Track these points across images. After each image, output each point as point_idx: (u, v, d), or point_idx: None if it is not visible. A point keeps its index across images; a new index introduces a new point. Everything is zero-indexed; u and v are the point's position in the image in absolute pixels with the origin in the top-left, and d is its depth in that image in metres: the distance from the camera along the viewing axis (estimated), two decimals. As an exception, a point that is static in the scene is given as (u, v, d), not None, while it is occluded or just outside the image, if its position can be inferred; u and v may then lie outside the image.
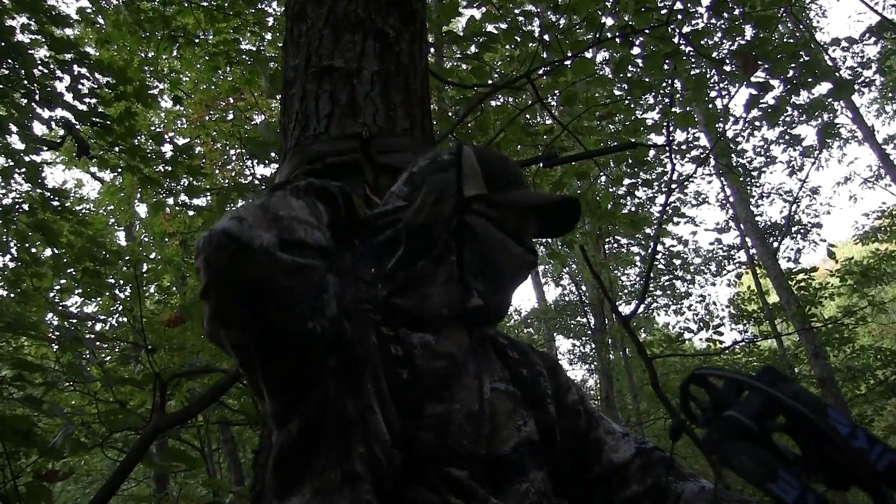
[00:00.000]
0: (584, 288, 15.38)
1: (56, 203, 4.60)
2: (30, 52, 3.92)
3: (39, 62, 3.97)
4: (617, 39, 3.91)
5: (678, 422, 0.82)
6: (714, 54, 5.34)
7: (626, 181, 6.26)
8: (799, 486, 0.60)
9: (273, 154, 3.86)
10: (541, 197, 1.22)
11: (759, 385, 0.67)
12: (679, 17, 3.93)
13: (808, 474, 0.63)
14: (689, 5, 3.97)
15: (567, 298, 17.52)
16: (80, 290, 5.74)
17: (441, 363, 1.03)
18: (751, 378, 0.69)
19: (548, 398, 1.14)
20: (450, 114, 5.17)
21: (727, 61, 4.44)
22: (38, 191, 4.50)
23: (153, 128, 10.01)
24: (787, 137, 13.47)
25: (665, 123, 4.63)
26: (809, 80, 4.14)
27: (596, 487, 1.15)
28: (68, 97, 4.06)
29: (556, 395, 1.19)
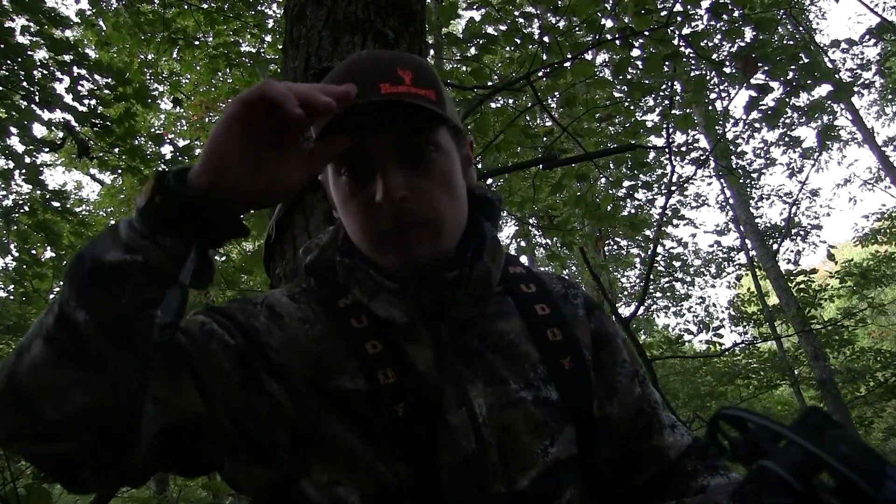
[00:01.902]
0: (583, 289, 15.36)
1: (56, 204, 4.61)
2: (29, 53, 3.93)
3: (39, 63, 3.98)
4: (617, 41, 3.91)
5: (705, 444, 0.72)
6: (714, 56, 5.34)
7: (626, 183, 6.27)
8: None
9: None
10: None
11: (801, 440, 0.56)
12: (679, 18, 3.93)
13: None
14: (688, 7, 3.98)
15: (567, 300, 17.49)
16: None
17: (427, 391, 0.82)
18: (790, 429, 0.57)
19: (592, 395, 0.92)
20: (450, 115, 5.16)
21: (727, 63, 4.45)
22: (39, 192, 4.51)
23: (153, 129, 10.03)
24: (786, 139, 13.49)
25: (665, 125, 4.63)
26: (809, 81, 4.15)
27: (644, 491, 0.95)
28: (68, 98, 4.07)
29: (613, 375, 0.97)
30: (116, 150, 4.49)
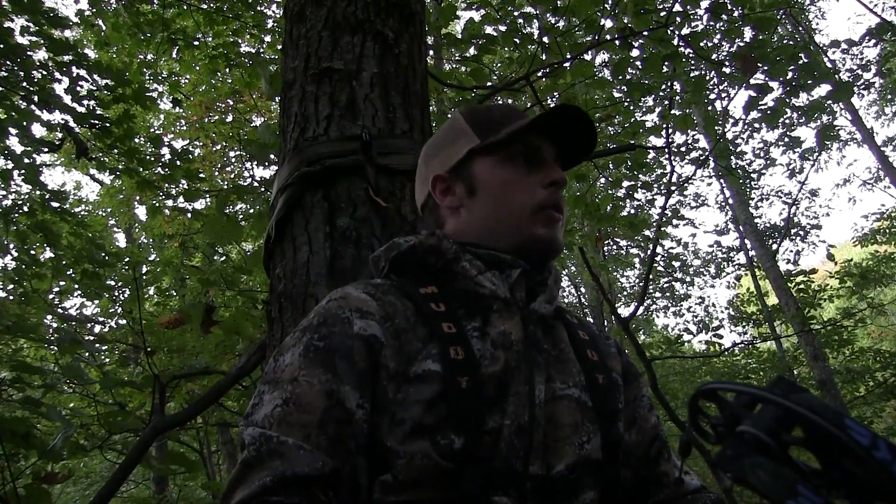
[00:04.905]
0: (583, 290, 15.40)
1: (55, 204, 4.60)
2: (28, 54, 3.93)
3: (38, 64, 3.98)
4: (616, 41, 3.91)
5: (688, 438, 0.78)
6: (713, 56, 5.34)
7: (626, 183, 6.27)
8: (821, 503, 0.57)
9: (272, 156, 3.87)
10: (531, 118, 1.08)
11: (773, 397, 0.62)
12: (678, 19, 3.93)
13: (830, 489, 0.59)
14: (688, 7, 3.98)
15: (566, 300, 17.53)
16: (80, 292, 5.74)
17: (499, 366, 0.91)
18: (763, 390, 0.64)
19: (619, 413, 1.01)
20: (449, 116, 5.18)
21: (726, 63, 4.45)
22: (38, 192, 4.51)
23: (152, 130, 10.03)
24: (786, 139, 13.50)
25: (664, 126, 4.63)
26: (809, 82, 4.15)
27: None
28: (67, 99, 4.06)
29: (634, 409, 1.09)
30: (115, 151, 4.48)
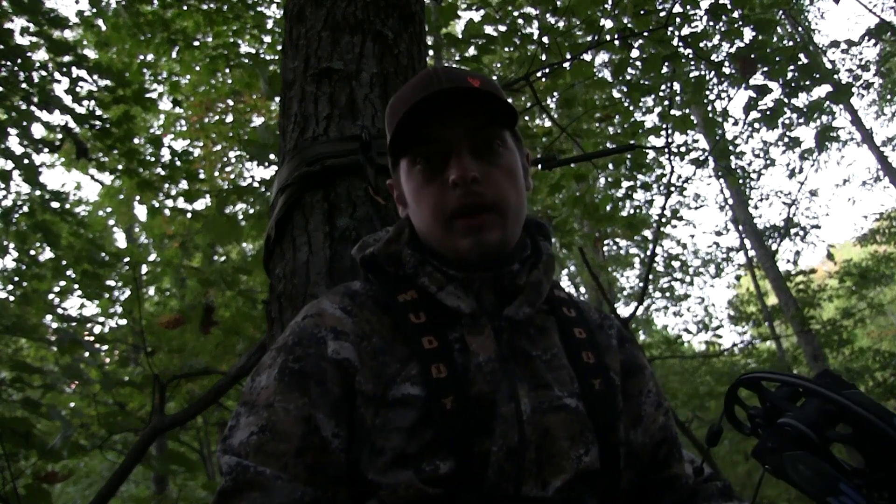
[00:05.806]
0: (582, 290, 15.40)
1: (55, 205, 4.61)
2: (28, 54, 3.93)
3: (38, 64, 3.98)
4: (616, 42, 3.92)
5: (718, 427, 0.76)
6: (713, 57, 5.34)
7: (625, 183, 6.28)
8: (863, 502, 0.54)
9: (272, 156, 3.87)
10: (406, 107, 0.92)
11: (825, 391, 0.59)
12: (678, 19, 3.94)
13: (872, 490, 0.56)
14: (687, 8, 3.98)
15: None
16: (80, 292, 5.74)
17: (486, 385, 0.86)
18: (812, 382, 0.62)
19: (617, 419, 0.94)
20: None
21: (726, 64, 4.45)
22: (38, 192, 4.51)
23: (152, 130, 10.03)
24: (786, 140, 13.50)
25: (664, 126, 4.64)
26: (808, 82, 4.15)
27: None
28: (67, 100, 4.06)
29: (639, 406, 1.01)
30: (115, 151, 4.48)
